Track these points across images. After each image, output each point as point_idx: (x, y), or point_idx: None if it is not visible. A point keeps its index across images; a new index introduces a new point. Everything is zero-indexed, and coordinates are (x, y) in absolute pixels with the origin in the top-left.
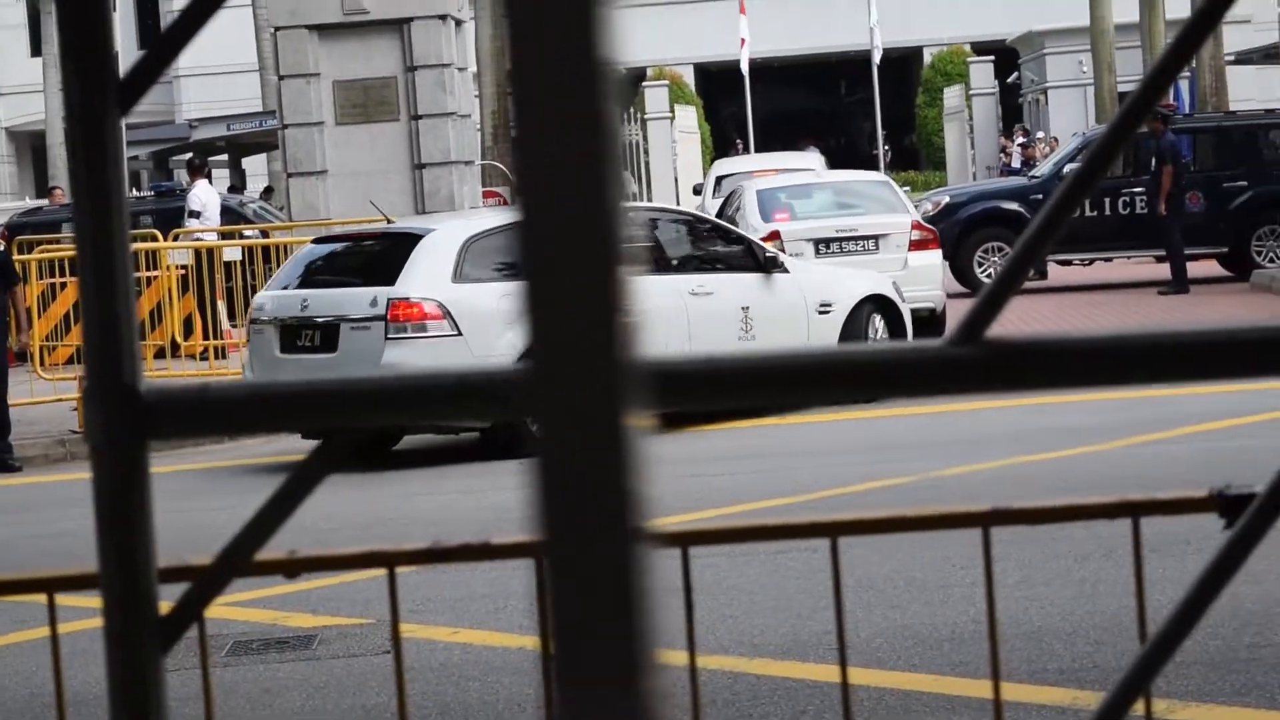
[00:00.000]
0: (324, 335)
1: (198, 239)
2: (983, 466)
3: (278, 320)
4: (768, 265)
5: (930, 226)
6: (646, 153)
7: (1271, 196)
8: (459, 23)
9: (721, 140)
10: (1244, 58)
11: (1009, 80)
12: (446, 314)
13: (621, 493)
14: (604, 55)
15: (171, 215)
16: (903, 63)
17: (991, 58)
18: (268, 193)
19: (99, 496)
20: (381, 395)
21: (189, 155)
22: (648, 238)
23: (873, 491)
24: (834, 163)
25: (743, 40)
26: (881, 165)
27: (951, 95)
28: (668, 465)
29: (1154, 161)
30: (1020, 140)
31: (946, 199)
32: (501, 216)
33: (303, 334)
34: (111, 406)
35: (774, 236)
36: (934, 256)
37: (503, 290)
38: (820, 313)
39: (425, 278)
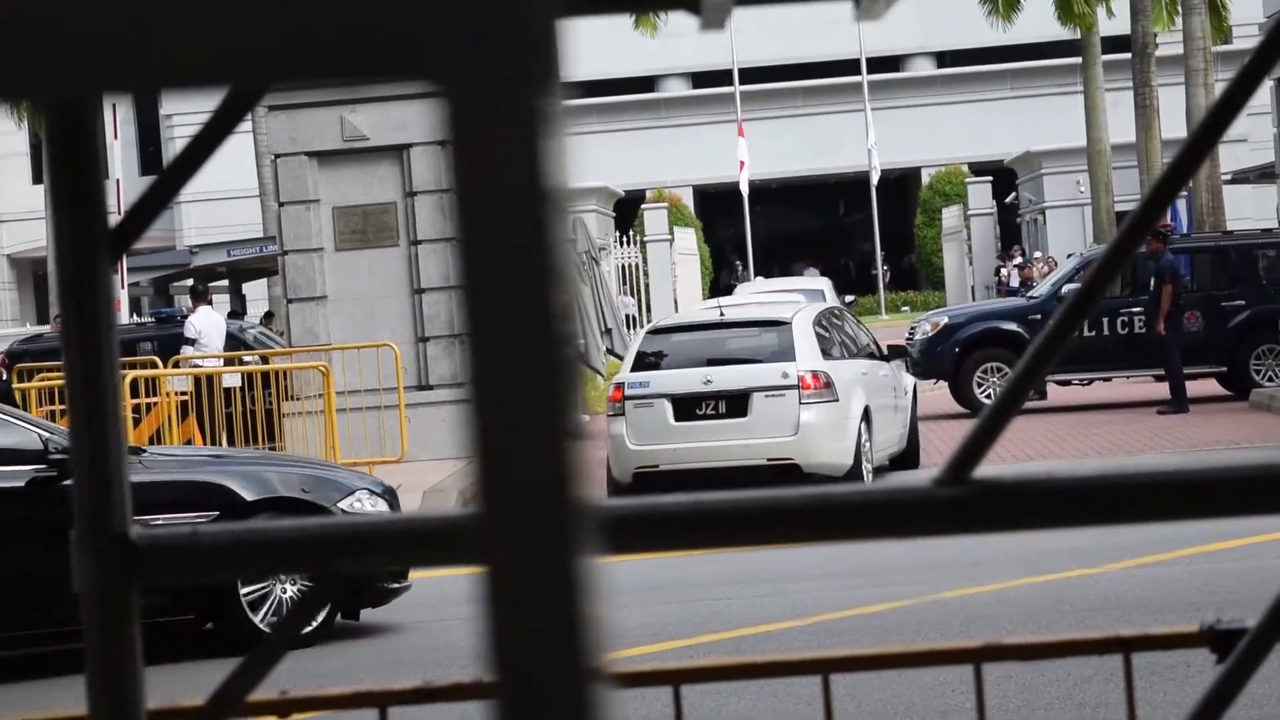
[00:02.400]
0: (731, 404)
1: (195, 365)
2: (983, 589)
3: (672, 395)
4: None
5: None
6: (646, 274)
7: (1269, 316)
8: None
9: (721, 262)
10: (1240, 176)
11: (1007, 200)
12: (829, 383)
13: (573, 636)
14: (551, 183)
15: (172, 341)
16: (901, 183)
17: (989, 178)
18: (268, 318)
19: (89, 641)
20: (347, 540)
21: (190, 281)
22: None
23: (874, 615)
24: (835, 284)
25: (741, 162)
26: (880, 286)
27: (950, 215)
28: (673, 589)
29: (1153, 281)
30: (1017, 260)
31: (945, 320)
32: (813, 298)
33: (704, 404)
34: (102, 552)
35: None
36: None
37: (846, 363)
38: None
39: (810, 354)
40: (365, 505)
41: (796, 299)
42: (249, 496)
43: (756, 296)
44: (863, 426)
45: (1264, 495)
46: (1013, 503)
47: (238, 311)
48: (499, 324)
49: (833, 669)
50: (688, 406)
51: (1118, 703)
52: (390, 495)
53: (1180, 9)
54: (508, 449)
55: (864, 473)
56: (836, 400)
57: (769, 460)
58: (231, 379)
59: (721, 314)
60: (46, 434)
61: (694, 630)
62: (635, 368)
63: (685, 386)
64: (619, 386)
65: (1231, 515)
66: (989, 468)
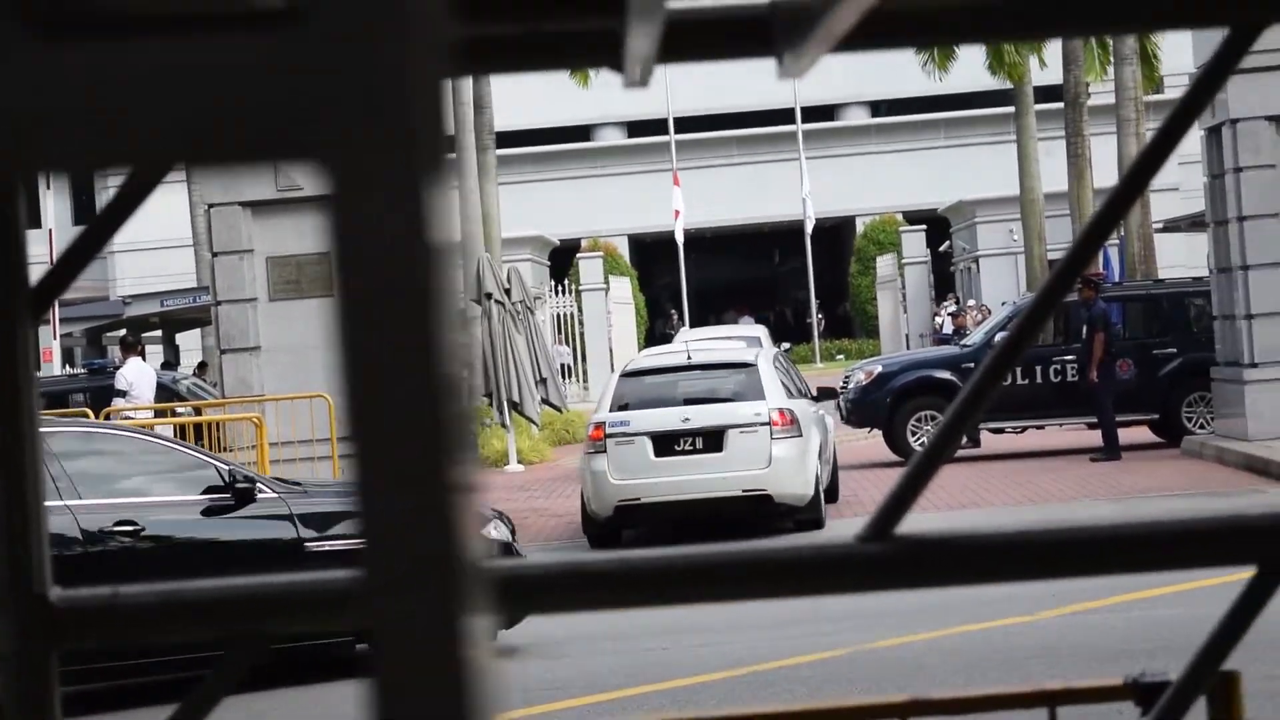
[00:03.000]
0: (708, 440)
1: (127, 417)
2: (918, 638)
3: (652, 433)
4: None
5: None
6: (581, 323)
7: (1200, 363)
8: None
9: (656, 310)
10: (1172, 225)
11: (941, 249)
12: (794, 420)
13: (458, 698)
14: (435, 248)
15: (104, 393)
16: (835, 232)
17: (923, 227)
18: (201, 368)
19: (6, 704)
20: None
21: (122, 332)
22: None
23: (809, 665)
24: (770, 331)
25: (677, 211)
26: (815, 334)
27: (884, 264)
28: (610, 639)
29: (1085, 329)
30: (950, 309)
31: (879, 368)
32: (751, 344)
33: (682, 440)
34: (21, 615)
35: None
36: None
37: (800, 402)
38: None
39: (777, 394)
40: (493, 532)
41: (739, 344)
42: None
43: (701, 344)
44: (819, 460)
45: (1182, 551)
46: (935, 559)
47: (171, 362)
48: (379, 386)
49: None
50: (667, 443)
51: None
52: (507, 521)
53: (1112, 59)
54: (391, 510)
55: (821, 502)
56: (800, 436)
57: (744, 491)
58: (164, 430)
59: (689, 357)
60: (226, 466)
61: (630, 681)
62: (614, 408)
63: (664, 424)
64: (599, 425)
65: (1151, 570)
66: (922, 515)
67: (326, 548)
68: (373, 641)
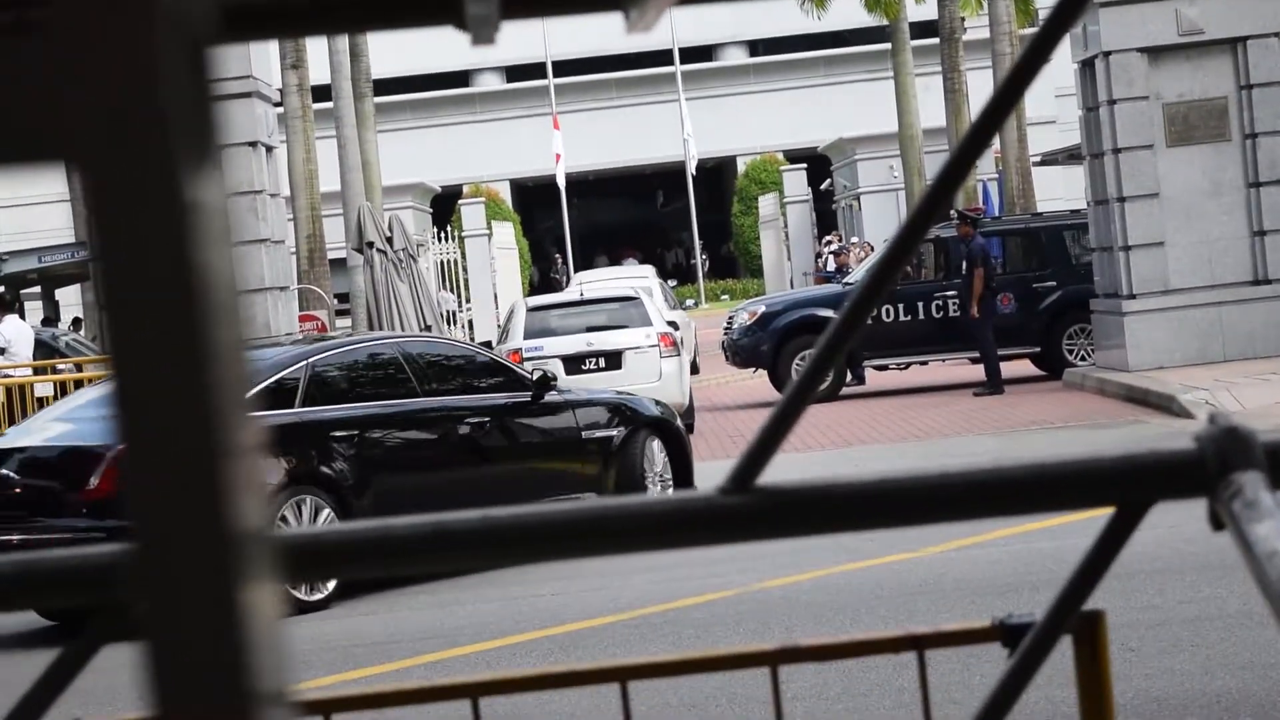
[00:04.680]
0: (609, 360)
1: (6, 375)
2: (806, 577)
3: (563, 355)
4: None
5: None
6: (465, 270)
7: (1080, 296)
8: (270, 149)
9: (540, 255)
10: (1049, 159)
11: (822, 187)
12: (674, 342)
13: (239, 669)
14: (201, 229)
15: None
16: (717, 172)
17: (804, 165)
18: (75, 324)
19: None
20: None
21: None
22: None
23: (696, 607)
24: (655, 273)
25: (558, 155)
26: (699, 275)
27: (766, 203)
28: (497, 585)
29: (964, 265)
30: (833, 247)
31: (763, 308)
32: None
33: (588, 360)
34: None
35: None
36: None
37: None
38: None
39: (660, 321)
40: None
41: (630, 285)
42: (645, 414)
43: (597, 284)
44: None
45: (1040, 494)
46: (797, 509)
47: (51, 318)
48: (150, 386)
49: (630, 676)
50: (575, 363)
51: (934, 686)
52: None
53: None
54: (164, 487)
55: (693, 409)
56: (679, 355)
57: None
58: (44, 388)
59: (581, 294)
60: (529, 374)
61: (516, 628)
62: (527, 336)
63: (573, 348)
64: (516, 351)
65: (1010, 515)
66: (806, 455)
67: (598, 435)
68: (145, 616)
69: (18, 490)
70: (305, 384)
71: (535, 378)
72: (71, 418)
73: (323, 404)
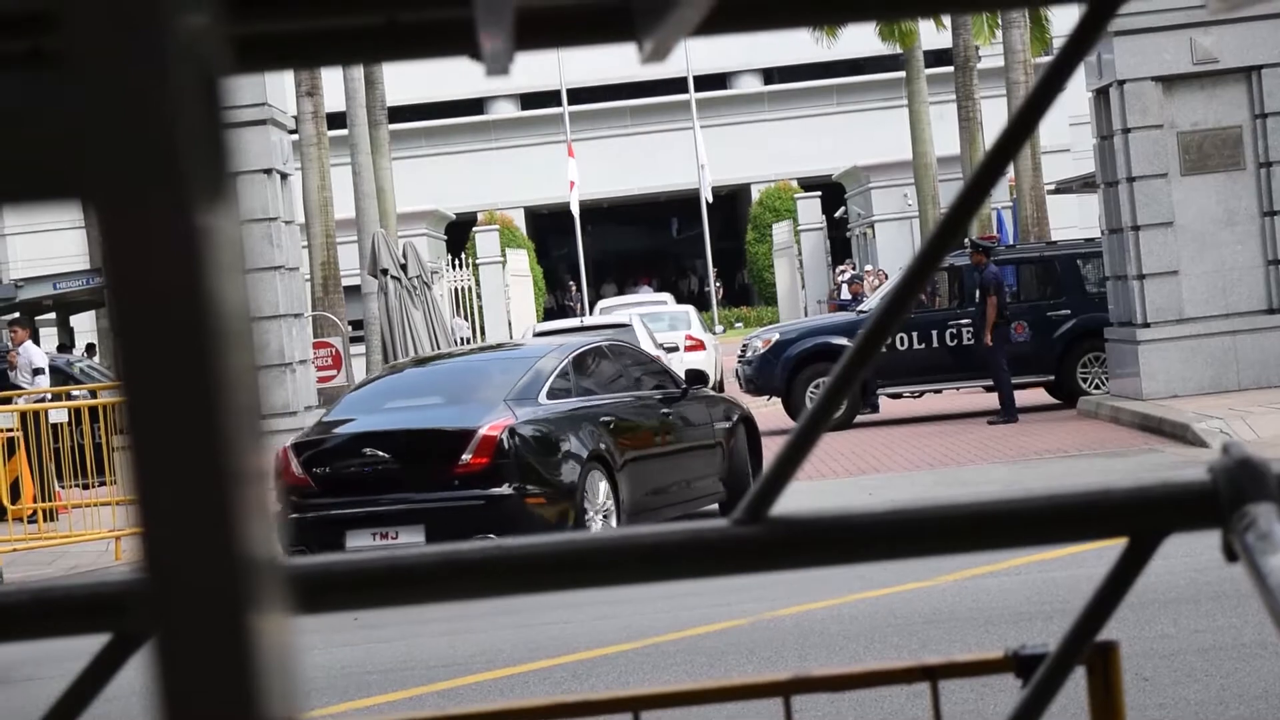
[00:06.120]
0: None
1: (41, 400)
2: (819, 605)
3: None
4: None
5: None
6: (479, 297)
7: (1094, 324)
8: (284, 176)
9: (554, 282)
10: (1064, 187)
11: (836, 215)
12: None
13: (250, 696)
14: (212, 264)
15: None
16: (731, 200)
17: (818, 193)
18: (89, 350)
19: None
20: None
21: (15, 315)
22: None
23: (708, 636)
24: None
25: (572, 183)
26: (714, 302)
27: (780, 231)
28: (509, 613)
29: (978, 293)
30: (847, 275)
31: (776, 336)
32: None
33: None
34: None
35: None
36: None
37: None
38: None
39: (649, 344)
40: None
41: (656, 307)
42: (743, 409)
43: (617, 312)
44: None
45: (1052, 526)
46: (809, 540)
47: (66, 345)
48: (160, 406)
49: (643, 706)
50: None
51: (947, 715)
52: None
53: (1000, 22)
54: (177, 518)
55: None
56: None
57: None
58: (58, 414)
59: (582, 322)
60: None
61: (529, 656)
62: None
63: None
64: None
65: (1021, 546)
66: (820, 483)
67: (719, 425)
68: (155, 645)
69: (381, 468)
70: (571, 377)
71: (684, 376)
72: (394, 407)
73: (575, 396)
